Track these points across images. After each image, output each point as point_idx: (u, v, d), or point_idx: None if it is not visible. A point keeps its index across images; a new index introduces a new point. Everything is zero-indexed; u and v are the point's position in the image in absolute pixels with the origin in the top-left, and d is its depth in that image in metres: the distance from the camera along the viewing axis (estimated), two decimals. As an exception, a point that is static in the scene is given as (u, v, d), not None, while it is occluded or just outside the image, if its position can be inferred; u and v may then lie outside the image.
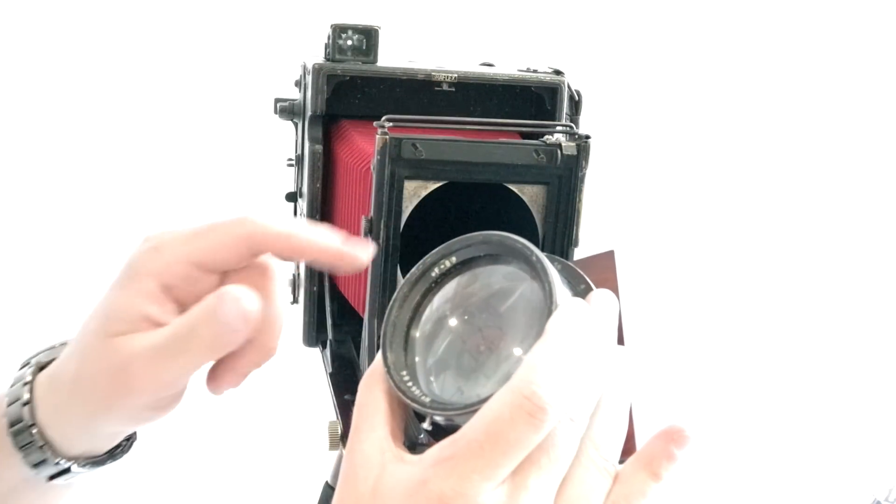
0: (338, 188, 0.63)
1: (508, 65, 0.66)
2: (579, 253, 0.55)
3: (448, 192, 0.52)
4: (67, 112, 1.34)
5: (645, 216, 2.07)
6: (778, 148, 1.79)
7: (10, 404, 0.47)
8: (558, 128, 0.58)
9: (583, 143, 0.52)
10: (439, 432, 0.37)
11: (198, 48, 1.44)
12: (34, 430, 0.46)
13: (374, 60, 0.62)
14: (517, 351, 0.38)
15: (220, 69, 1.46)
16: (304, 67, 0.64)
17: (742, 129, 1.85)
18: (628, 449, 0.39)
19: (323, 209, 0.64)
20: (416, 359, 0.40)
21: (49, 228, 1.34)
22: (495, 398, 0.34)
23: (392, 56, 0.64)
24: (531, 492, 0.33)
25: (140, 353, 0.42)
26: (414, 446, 0.38)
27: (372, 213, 0.51)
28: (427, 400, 0.38)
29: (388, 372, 0.39)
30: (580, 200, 0.53)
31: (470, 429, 0.34)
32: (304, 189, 0.64)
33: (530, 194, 0.54)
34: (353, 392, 0.57)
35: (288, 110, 0.66)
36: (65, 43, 1.32)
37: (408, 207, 0.52)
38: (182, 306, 0.44)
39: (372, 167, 0.51)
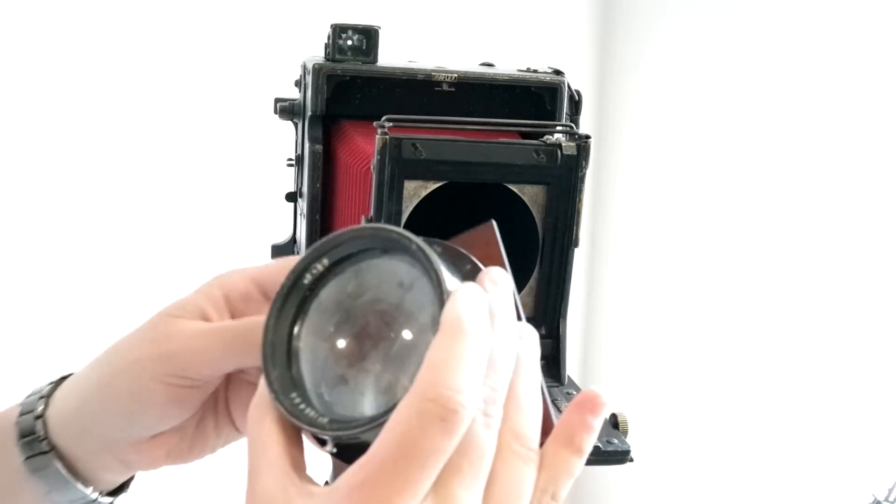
0: (338, 188, 0.63)
1: (508, 65, 0.66)
2: (579, 253, 0.55)
3: (448, 192, 0.52)
4: (67, 112, 1.34)
5: (645, 216, 2.08)
6: (778, 148, 1.79)
7: (29, 396, 0.47)
8: (558, 128, 0.58)
9: (583, 143, 0.52)
10: (347, 452, 0.34)
11: (198, 48, 1.44)
12: (40, 403, 0.46)
13: (374, 60, 0.62)
14: (416, 349, 0.35)
15: (220, 69, 1.46)
16: (304, 67, 0.64)
17: (742, 129, 1.85)
18: (546, 428, 0.36)
19: (323, 209, 0.64)
20: (304, 376, 0.37)
21: (49, 228, 1.34)
22: (400, 407, 0.31)
23: (392, 56, 0.64)
24: (458, 501, 0.31)
25: (188, 330, 0.43)
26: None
27: (372, 213, 0.51)
28: (325, 421, 0.34)
29: (276, 398, 0.35)
30: (580, 200, 0.53)
31: (379, 446, 0.31)
32: (304, 189, 0.64)
33: (530, 194, 0.54)
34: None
35: (288, 110, 0.66)
36: (65, 43, 1.32)
37: (408, 207, 0.52)
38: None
39: (372, 167, 0.51)
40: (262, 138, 1.26)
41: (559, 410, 0.55)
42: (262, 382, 0.36)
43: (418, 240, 0.35)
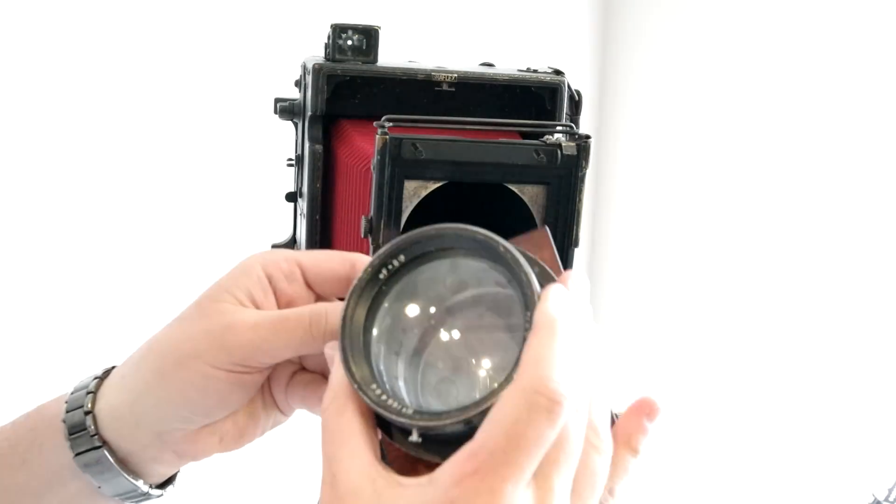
0: (338, 188, 0.63)
1: (508, 65, 0.66)
2: (579, 253, 0.55)
3: (448, 192, 0.52)
4: (67, 113, 1.34)
5: (645, 216, 2.07)
6: (778, 147, 1.79)
7: (73, 392, 0.48)
8: (558, 128, 0.58)
9: (583, 143, 0.52)
10: (429, 444, 0.35)
11: (198, 48, 1.44)
12: (87, 398, 0.46)
13: (374, 60, 0.62)
14: (507, 344, 0.36)
15: (220, 69, 1.46)
16: (304, 67, 0.64)
17: (742, 128, 1.85)
18: None
19: (323, 209, 0.64)
20: (381, 368, 0.37)
21: (49, 228, 1.34)
22: (506, 399, 0.32)
23: (392, 56, 0.64)
24: (555, 491, 0.32)
25: (246, 319, 0.43)
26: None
27: (372, 213, 0.51)
28: (410, 411, 0.35)
29: (360, 388, 0.36)
30: (580, 200, 0.53)
31: (488, 436, 0.32)
32: (304, 189, 0.64)
33: (530, 194, 0.54)
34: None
35: (288, 110, 0.66)
36: (65, 43, 1.32)
37: (408, 207, 0.52)
38: (279, 305, 0.46)
39: (372, 167, 0.51)
40: (262, 138, 1.26)
41: None
42: (339, 374, 0.37)
43: (504, 242, 0.36)
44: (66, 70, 1.32)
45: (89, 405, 0.46)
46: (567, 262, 0.55)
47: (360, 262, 0.46)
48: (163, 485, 0.49)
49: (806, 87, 1.74)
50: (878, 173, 1.66)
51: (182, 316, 0.46)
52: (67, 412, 0.46)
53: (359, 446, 0.35)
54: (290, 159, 0.69)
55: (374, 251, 0.52)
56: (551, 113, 0.63)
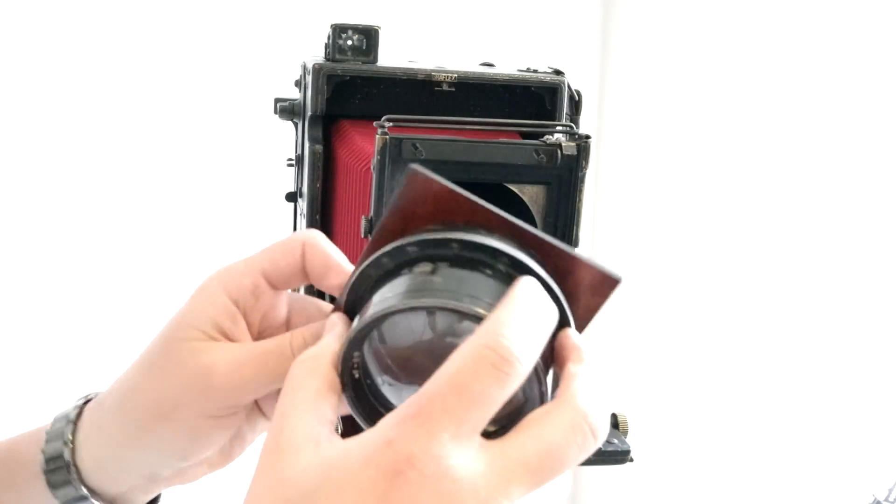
0: (338, 188, 0.63)
1: (508, 65, 0.66)
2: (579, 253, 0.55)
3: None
4: (67, 113, 1.34)
5: (645, 216, 2.07)
6: (779, 147, 1.79)
7: (54, 423, 0.46)
8: (558, 128, 0.58)
9: (583, 143, 0.52)
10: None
11: (198, 48, 1.44)
12: (66, 450, 0.45)
13: (374, 60, 0.62)
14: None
15: (220, 69, 1.46)
16: (304, 67, 0.64)
17: (743, 128, 1.85)
18: None
19: (323, 209, 0.64)
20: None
21: (48, 229, 1.34)
22: (458, 352, 0.31)
23: (392, 56, 0.64)
24: (506, 454, 0.31)
25: (224, 359, 0.42)
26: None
27: (372, 213, 0.51)
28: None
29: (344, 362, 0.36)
30: (580, 200, 0.53)
31: (433, 384, 0.31)
32: (304, 189, 0.64)
33: (530, 194, 0.54)
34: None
35: (288, 110, 0.66)
36: (65, 43, 1.32)
37: (408, 207, 0.52)
38: (251, 326, 0.44)
39: (372, 167, 0.51)
40: (262, 138, 1.26)
41: None
42: (329, 341, 0.37)
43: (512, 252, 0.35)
44: (66, 70, 1.32)
45: (68, 455, 0.45)
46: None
47: (309, 238, 0.44)
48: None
49: (808, 87, 1.74)
50: (879, 173, 1.66)
51: (152, 360, 0.44)
52: (47, 460, 0.45)
53: (316, 411, 0.34)
54: (290, 159, 0.69)
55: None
56: (551, 113, 0.64)
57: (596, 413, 0.33)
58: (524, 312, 0.33)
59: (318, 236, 0.45)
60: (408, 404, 0.31)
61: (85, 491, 0.45)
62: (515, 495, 0.31)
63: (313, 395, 0.34)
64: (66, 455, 0.45)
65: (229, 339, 0.43)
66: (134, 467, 0.45)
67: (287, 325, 0.46)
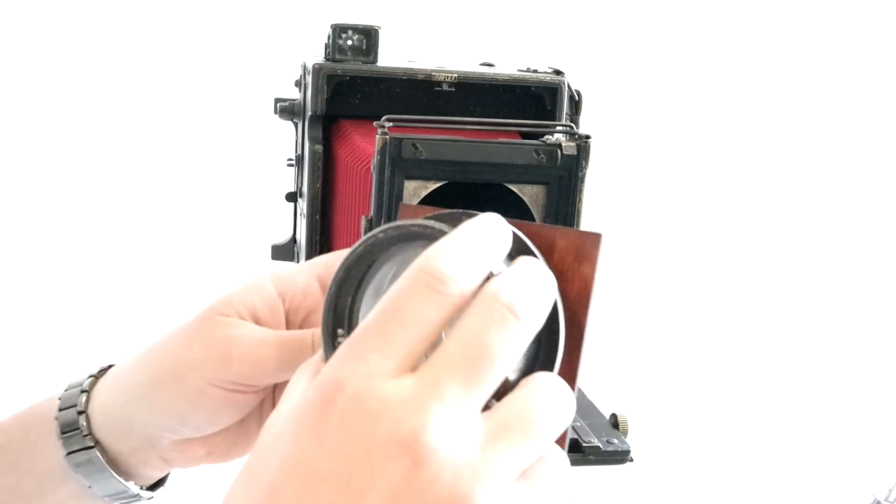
0: (338, 188, 0.63)
1: (508, 65, 0.66)
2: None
3: (448, 192, 0.52)
4: (68, 113, 1.34)
5: (645, 216, 2.07)
6: (779, 146, 1.79)
7: (67, 389, 0.47)
8: (558, 128, 0.58)
9: (583, 143, 0.52)
10: None
11: (198, 48, 1.44)
12: (81, 398, 0.46)
13: (374, 60, 0.62)
14: None
15: (220, 69, 1.46)
16: (304, 67, 0.64)
17: (743, 128, 1.85)
18: None
19: (323, 209, 0.64)
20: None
21: (48, 229, 1.34)
22: (395, 282, 0.31)
23: (392, 56, 0.64)
24: (441, 389, 0.29)
25: (248, 335, 0.43)
26: None
27: (372, 213, 0.51)
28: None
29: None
30: (580, 200, 0.53)
31: (371, 314, 0.30)
32: (304, 189, 0.64)
33: (530, 194, 0.53)
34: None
35: (288, 110, 0.66)
36: (65, 43, 1.32)
37: (408, 207, 0.52)
38: (292, 323, 0.45)
39: (372, 167, 0.51)
40: (262, 138, 1.26)
41: None
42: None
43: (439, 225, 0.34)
44: (66, 71, 1.32)
45: (83, 404, 0.46)
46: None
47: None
48: (153, 486, 0.49)
49: (809, 86, 1.74)
50: (880, 173, 1.66)
51: (184, 325, 0.45)
52: (60, 410, 0.46)
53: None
54: (290, 159, 0.69)
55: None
56: (551, 113, 0.63)
57: (511, 292, 0.30)
58: (459, 233, 0.32)
59: None
60: (346, 339, 0.31)
61: (90, 441, 0.45)
62: (448, 393, 0.29)
63: (305, 382, 0.34)
64: (81, 403, 0.46)
65: (262, 325, 0.44)
66: (137, 423, 0.45)
67: None
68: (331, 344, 0.35)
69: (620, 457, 0.52)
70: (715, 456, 1.93)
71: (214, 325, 0.43)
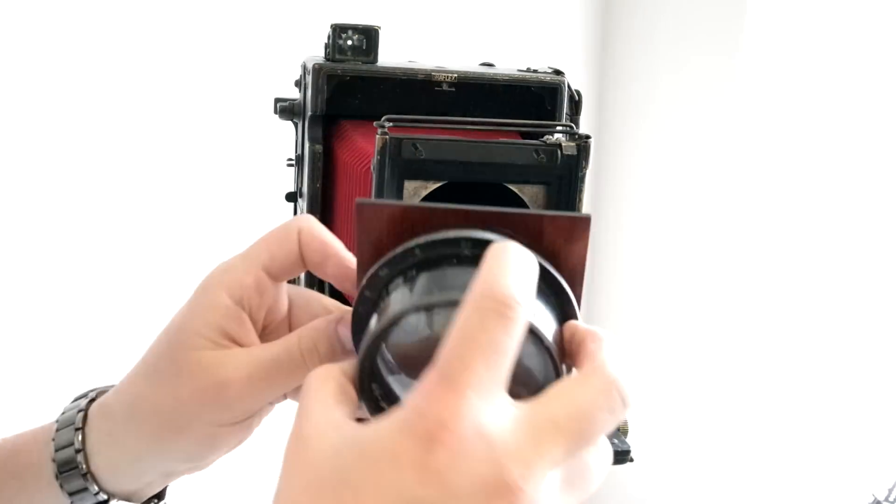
0: (338, 188, 0.63)
1: (508, 65, 0.66)
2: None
3: (448, 192, 0.52)
4: (67, 113, 1.34)
5: (645, 216, 2.07)
6: (779, 146, 1.79)
7: (59, 429, 0.46)
8: (558, 128, 0.58)
9: (583, 143, 0.52)
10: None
11: (198, 48, 1.44)
12: (79, 458, 0.45)
13: (374, 60, 0.62)
14: None
15: (220, 69, 1.46)
16: (304, 67, 0.64)
17: (743, 128, 1.85)
18: None
19: (323, 209, 0.64)
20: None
21: (48, 229, 1.34)
22: (460, 312, 0.31)
23: (392, 56, 0.64)
24: (535, 412, 0.31)
25: (236, 372, 0.42)
26: None
27: (372, 213, 0.51)
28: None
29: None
30: (580, 200, 0.53)
31: (444, 349, 0.30)
32: (304, 189, 0.64)
33: (530, 194, 0.54)
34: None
35: (288, 110, 0.66)
36: (65, 43, 1.32)
37: (408, 207, 0.52)
38: (255, 323, 0.44)
39: (372, 167, 0.51)
40: (262, 138, 1.26)
41: None
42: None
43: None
44: (66, 71, 1.32)
45: (83, 465, 0.45)
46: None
47: (304, 225, 0.44)
48: (152, 498, 0.49)
49: (809, 86, 1.74)
50: (882, 174, 1.67)
51: (159, 369, 0.43)
52: (61, 472, 0.45)
53: (336, 409, 0.33)
54: (290, 159, 0.69)
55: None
56: (551, 113, 0.63)
57: (625, 379, 0.32)
58: (504, 262, 0.32)
59: (312, 223, 0.44)
60: (429, 372, 0.31)
61: (104, 496, 0.45)
62: (548, 456, 0.30)
63: (331, 397, 0.34)
64: (81, 464, 0.45)
65: (236, 342, 0.43)
66: (150, 469, 0.45)
67: (289, 319, 0.46)
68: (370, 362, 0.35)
69: (620, 457, 0.52)
70: (715, 456, 1.93)
71: (195, 368, 0.42)
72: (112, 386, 0.48)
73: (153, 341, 0.45)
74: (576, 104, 0.64)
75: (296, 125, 0.68)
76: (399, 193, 0.51)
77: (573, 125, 0.57)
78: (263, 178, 1.25)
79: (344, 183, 0.61)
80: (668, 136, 2.00)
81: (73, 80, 1.34)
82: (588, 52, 2.08)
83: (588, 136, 0.53)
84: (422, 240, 0.36)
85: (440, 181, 0.52)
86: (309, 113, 0.63)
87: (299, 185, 0.67)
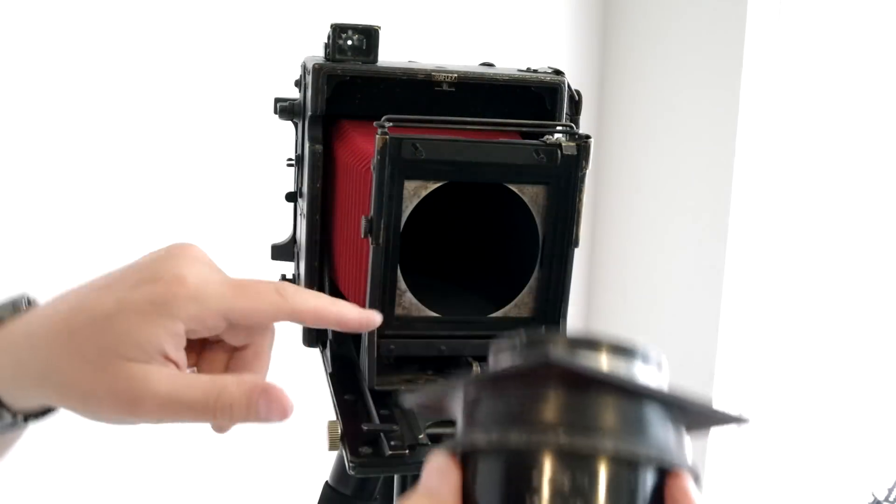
0: (338, 188, 0.63)
1: (508, 65, 0.66)
2: (579, 253, 0.55)
3: (448, 192, 0.52)
4: (67, 113, 1.34)
5: (645, 216, 2.07)
6: (778, 145, 1.79)
7: None
8: (558, 128, 0.58)
9: (583, 143, 0.52)
10: None
11: (198, 48, 1.44)
12: None
13: (374, 60, 0.62)
14: None
15: (220, 69, 1.46)
16: (304, 67, 0.64)
17: (743, 128, 1.85)
18: None
19: (323, 209, 0.64)
20: None
21: (48, 228, 1.34)
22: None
23: (392, 56, 0.64)
24: None
25: (157, 392, 0.42)
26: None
27: (372, 213, 0.51)
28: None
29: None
30: (580, 200, 0.53)
31: None
32: (304, 189, 0.64)
33: (530, 194, 0.53)
34: (353, 392, 0.57)
35: (288, 110, 0.66)
36: (65, 43, 1.32)
37: (408, 207, 0.52)
38: (188, 344, 0.45)
39: (372, 167, 0.51)
40: (262, 138, 1.26)
41: None
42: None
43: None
44: (66, 70, 1.32)
45: None
46: (567, 262, 0.55)
47: (296, 307, 0.45)
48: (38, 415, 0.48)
49: (809, 86, 1.74)
50: (879, 174, 1.67)
51: (85, 356, 0.42)
52: None
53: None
54: (290, 159, 0.69)
55: (375, 251, 0.52)
56: (551, 113, 0.63)
57: None
58: None
59: (293, 296, 0.45)
60: None
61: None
62: None
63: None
64: None
65: (169, 359, 0.43)
66: (53, 405, 0.46)
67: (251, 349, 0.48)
68: None
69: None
70: (715, 456, 1.93)
71: (120, 376, 0.42)
72: (33, 306, 0.46)
73: (93, 292, 0.44)
74: (576, 104, 0.64)
75: (296, 125, 0.68)
76: (399, 193, 0.51)
77: (573, 125, 0.57)
78: (263, 178, 1.25)
79: (344, 183, 0.61)
80: (668, 136, 2.00)
81: (74, 81, 1.34)
82: (588, 52, 2.08)
83: (588, 136, 0.53)
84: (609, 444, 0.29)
85: (440, 181, 0.52)
86: (309, 113, 0.62)
87: (299, 185, 0.67)
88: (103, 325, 0.42)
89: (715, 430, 0.34)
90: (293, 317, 0.45)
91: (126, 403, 0.42)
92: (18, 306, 0.46)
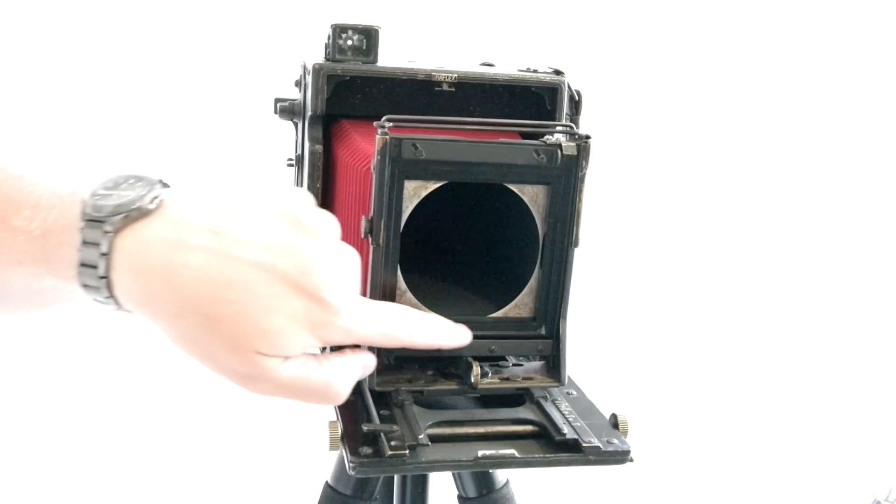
0: (338, 188, 0.63)
1: (508, 65, 0.66)
2: (579, 253, 0.55)
3: (448, 192, 0.52)
4: (67, 112, 1.34)
5: (645, 216, 2.07)
6: (778, 145, 1.79)
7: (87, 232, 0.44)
8: (558, 128, 0.58)
9: (583, 143, 0.52)
10: None
11: (198, 48, 1.44)
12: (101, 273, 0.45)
13: (374, 60, 0.62)
14: None
15: (220, 69, 1.46)
16: (304, 67, 0.64)
17: (743, 128, 1.85)
18: None
19: (323, 209, 0.63)
20: None
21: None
22: None
23: (392, 56, 0.64)
24: None
25: (276, 378, 0.44)
26: None
27: (372, 213, 0.51)
28: None
29: None
30: (580, 200, 0.53)
31: None
32: (304, 189, 0.64)
33: (530, 194, 0.53)
34: (353, 392, 0.57)
35: (288, 110, 0.66)
36: (66, 43, 1.32)
37: (408, 207, 0.52)
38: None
39: (372, 167, 0.51)
40: (262, 138, 1.26)
41: (559, 412, 0.55)
42: None
43: None
44: (66, 70, 1.32)
45: (103, 270, 0.44)
46: (567, 262, 0.55)
47: (404, 338, 0.48)
48: None
49: (809, 86, 1.74)
50: (879, 174, 1.66)
51: (221, 336, 0.43)
52: (81, 265, 0.45)
53: None
54: (290, 159, 0.69)
55: (375, 251, 0.52)
56: (551, 113, 0.63)
57: None
58: None
59: (409, 329, 0.48)
60: None
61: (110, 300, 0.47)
62: None
63: None
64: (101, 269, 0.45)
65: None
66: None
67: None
68: None
69: (620, 457, 0.52)
70: (715, 456, 1.93)
71: (247, 363, 0.44)
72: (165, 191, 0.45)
73: (247, 268, 0.43)
74: (576, 104, 0.64)
75: (296, 125, 0.68)
76: (399, 193, 0.51)
77: (573, 125, 0.57)
78: (263, 178, 1.25)
79: (344, 183, 0.61)
80: (669, 136, 2.00)
81: (75, 81, 1.34)
82: (588, 52, 2.08)
83: (588, 136, 0.53)
84: None
85: (440, 181, 0.52)
86: (309, 113, 0.62)
87: (299, 185, 0.67)
88: (250, 319, 0.43)
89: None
90: (398, 343, 0.48)
91: (242, 378, 0.44)
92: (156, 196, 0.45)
